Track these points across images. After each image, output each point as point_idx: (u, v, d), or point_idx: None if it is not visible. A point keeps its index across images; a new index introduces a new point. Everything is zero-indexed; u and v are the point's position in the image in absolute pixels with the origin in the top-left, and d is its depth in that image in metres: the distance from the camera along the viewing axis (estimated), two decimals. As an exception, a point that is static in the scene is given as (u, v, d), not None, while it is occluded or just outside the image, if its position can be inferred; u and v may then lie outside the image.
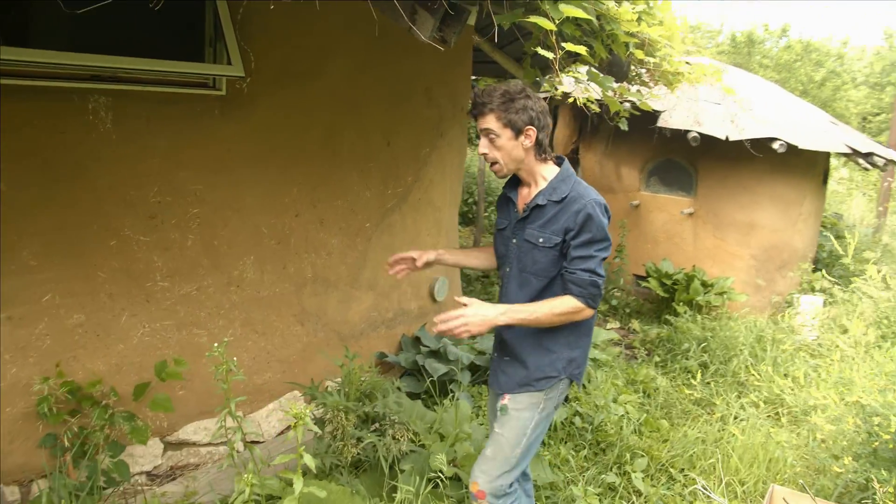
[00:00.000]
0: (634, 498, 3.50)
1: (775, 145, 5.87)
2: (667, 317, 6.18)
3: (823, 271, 6.70)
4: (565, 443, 3.93)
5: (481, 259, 2.76)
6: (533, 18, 2.38)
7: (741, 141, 6.01)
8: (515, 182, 2.50)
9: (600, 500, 3.37)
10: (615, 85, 4.79)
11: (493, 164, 2.36)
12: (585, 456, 3.84)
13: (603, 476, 3.62)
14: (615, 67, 4.62)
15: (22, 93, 2.63)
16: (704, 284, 6.35)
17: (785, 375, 4.87)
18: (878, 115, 16.47)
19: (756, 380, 4.94)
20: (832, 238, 6.64)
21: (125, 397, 3.08)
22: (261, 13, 3.18)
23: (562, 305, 2.27)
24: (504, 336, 2.50)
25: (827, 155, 6.93)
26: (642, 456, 3.78)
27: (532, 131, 2.28)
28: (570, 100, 2.95)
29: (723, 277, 6.44)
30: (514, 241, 2.43)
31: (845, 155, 6.26)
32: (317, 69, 3.55)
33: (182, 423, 3.39)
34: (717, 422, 4.33)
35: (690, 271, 6.49)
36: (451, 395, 4.06)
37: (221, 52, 3.11)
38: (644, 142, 6.72)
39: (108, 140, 2.88)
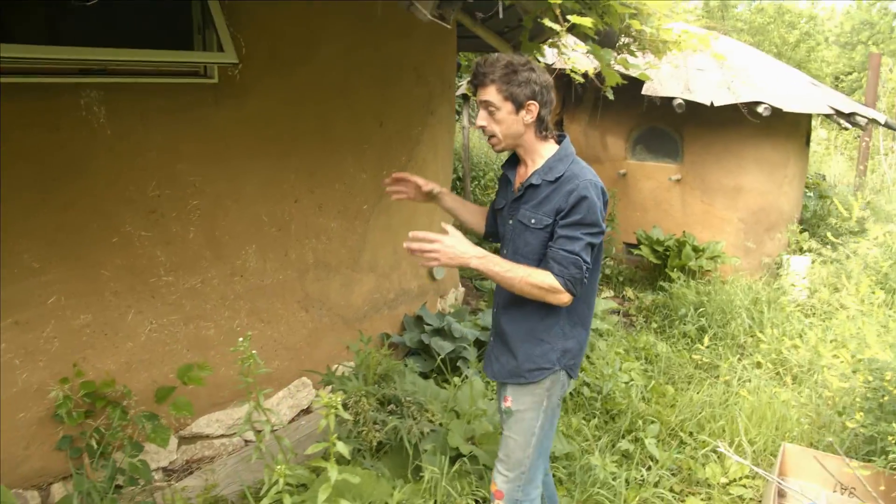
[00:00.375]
0: (651, 463, 3.55)
1: (760, 109, 5.90)
2: (661, 283, 6.23)
3: (829, 233, 6.77)
4: (576, 412, 3.97)
5: (473, 216, 2.67)
6: (538, -10, 2.35)
7: (726, 106, 6.03)
8: (514, 161, 2.42)
9: (618, 466, 3.41)
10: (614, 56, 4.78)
11: (490, 137, 2.26)
12: (596, 425, 3.88)
13: (618, 444, 3.66)
14: (606, 38, 4.60)
15: (10, 91, 2.55)
16: (696, 249, 6.40)
17: (784, 336, 4.94)
18: (850, 73, 16.62)
19: (757, 341, 5.00)
20: (835, 201, 6.68)
21: (138, 395, 3.05)
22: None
23: (538, 276, 2.14)
24: (500, 319, 2.42)
25: (809, 116, 6.99)
26: (653, 422, 3.83)
27: (534, 106, 2.17)
28: (578, 72, 2.89)
29: (713, 242, 6.49)
30: (511, 222, 2.34)
31: (827, 116, 6.31)
32: (308, 53, 3.49)
33: (195, 416, 3.36)
34: (722, 384, 4.38)
35: (681, 237, 6.53)
36: (459, 372, 4.08)
37: (211, 38, 3.04)
38: (628, 110, 6.72)
39: (103, 136, 2.81)
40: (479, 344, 4.39)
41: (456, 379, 3.91)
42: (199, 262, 3.22)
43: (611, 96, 5.20)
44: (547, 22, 2.49)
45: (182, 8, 3.08)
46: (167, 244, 3.09)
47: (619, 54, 5.03)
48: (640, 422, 3.89)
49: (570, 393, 4.05)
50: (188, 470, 3.32)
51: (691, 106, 6.15)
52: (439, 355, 4.07)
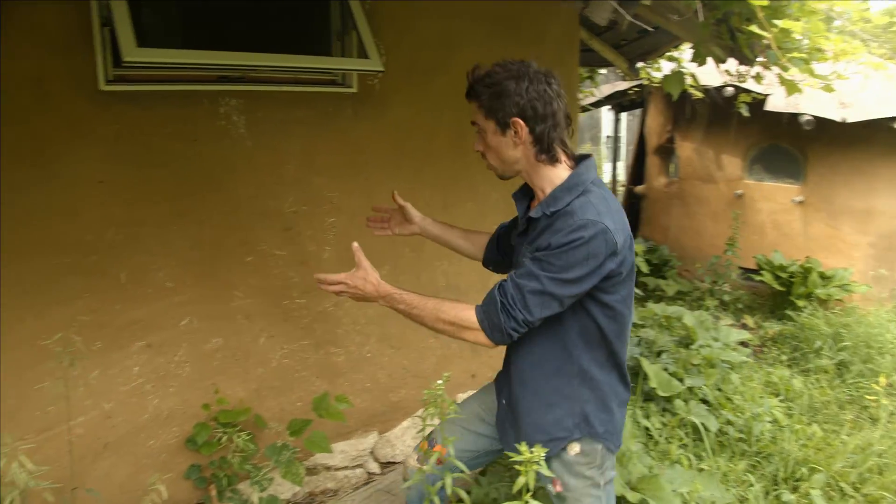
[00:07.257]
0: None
1: (896, 124, 5.43)
2: (786, 312, 5.76)
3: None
4: (721, 453, 3.58)
5: (467, 241, 2.45)
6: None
7: (854, 123, 5.57)
8: (527, 189, 1.96)
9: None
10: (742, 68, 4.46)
11: (487, 165, 1.88)
12: (745, 469, 3.50)
13: (778, 493, 3.27)
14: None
15: (149, 99, 2.40)
16: (822, 276, 5.91)
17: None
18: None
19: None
20: None
21: (268, 424, 2.85)
22: (388, 3, 2.92)
23: (452, 310, 1.78)
24: (508, 370, 1.97)
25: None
26: (818, 471, 3.41)
27: (520, 125, 1.72)
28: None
29: (841, 269, 5.98)
30: (517, 258, 1.92)
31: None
32: (443, 63, 3.27)
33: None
34: (882, 428, 3.92)
35: (805, 263, 6.05)
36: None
37: (350, 46, 2.86)
38: (746, 127, 6.30)
39: (242, 147, 2.64)
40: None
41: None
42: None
43: (746, 112, 4.86)
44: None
45: (318, 12, 2.90)
46: (301, 264, 2.90)
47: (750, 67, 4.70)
48: (796, 468, 3.48)
49: (716, 432, 3.66)
50: (311, 503, 3.10)
51: (817, 123, 5.70)
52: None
